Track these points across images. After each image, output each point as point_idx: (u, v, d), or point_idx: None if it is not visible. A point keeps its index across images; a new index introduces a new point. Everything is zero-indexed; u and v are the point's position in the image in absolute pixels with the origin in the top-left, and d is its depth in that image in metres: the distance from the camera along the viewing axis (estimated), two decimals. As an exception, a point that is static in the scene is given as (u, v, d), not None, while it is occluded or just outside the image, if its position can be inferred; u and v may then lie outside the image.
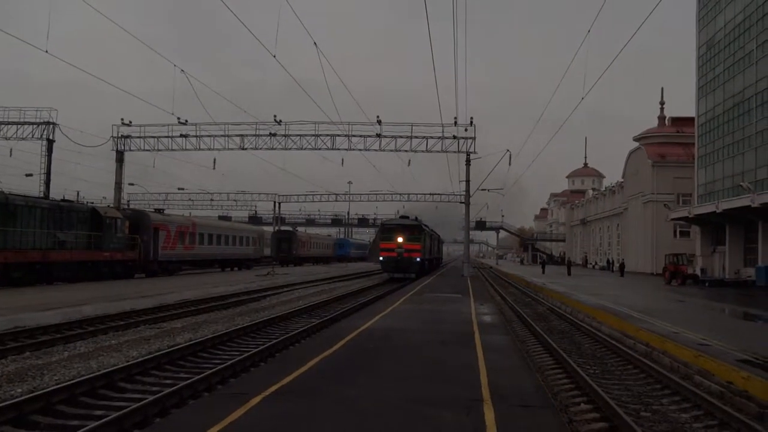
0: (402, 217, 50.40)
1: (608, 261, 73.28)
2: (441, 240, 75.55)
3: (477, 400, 7.11)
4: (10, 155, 39.61)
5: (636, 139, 67.85)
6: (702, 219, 44.81)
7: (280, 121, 38.98)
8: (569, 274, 52.55)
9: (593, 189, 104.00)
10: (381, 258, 41.56)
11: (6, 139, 37.97)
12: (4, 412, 7.40)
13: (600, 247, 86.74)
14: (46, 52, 23.71)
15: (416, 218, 46.46)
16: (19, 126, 37.47)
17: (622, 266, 55.52)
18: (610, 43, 42.76)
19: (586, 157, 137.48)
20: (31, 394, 8.21)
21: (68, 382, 8.95)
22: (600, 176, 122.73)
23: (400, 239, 39.86)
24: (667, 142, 62.34)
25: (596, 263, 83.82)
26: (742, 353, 11.51)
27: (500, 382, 8.06)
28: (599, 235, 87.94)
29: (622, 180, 72.19)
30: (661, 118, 68.01)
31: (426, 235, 44.78)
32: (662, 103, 68.73)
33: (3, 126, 37.65)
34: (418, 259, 40.59)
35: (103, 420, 7.07)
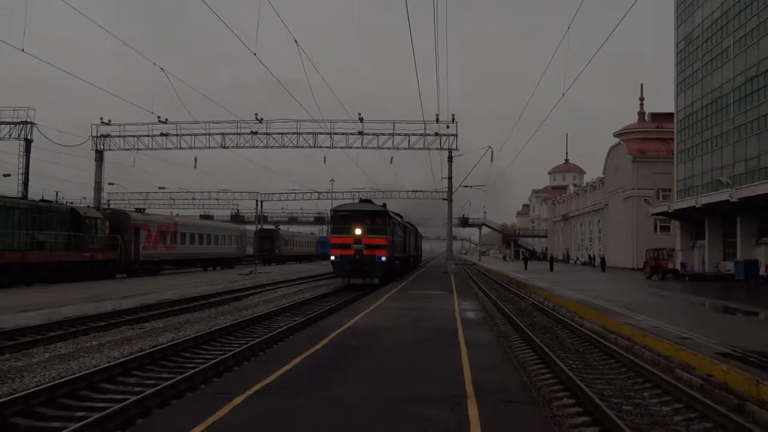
0: (362, 201, 36.47)
1: (590, 256, 73.92)
2: (420, 235, 66.94)
3: (461, 396, 7.13)
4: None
5: (616, 135, 68.46)
6: (682, 214, 45.33)
7: (262, 119, 38.78)
8: (552, 269, 52.90)
9: (574, 185, 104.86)
10: (332, 257, 29.46)
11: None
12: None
13: (581, 243, 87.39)
14: (23, 50, 23.40)
15: (384, 205, 34.21)
16: (7, 125, 36.91)
17: (603, 261, 56.05)
18: (590, 39, 43.09)
19: (567, 153, 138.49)
20: (10, 396, 8.10)
21: (49, 384, 8.84)
22: (581, 172, 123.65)
23: (358, 231, 28.83)
24: (647, 138, 62.97)
25: (578, 259, 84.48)
26: (722, 346, 11.66)
27: (484, 378, 8.09)
28: (581, 231, 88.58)
29: (603, 176, 72.80)
30: (641, 113, 68.69)
31: (394, 225, 33.67)
32: (642, 99, 69.42)
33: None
34: (383, 258, 29.13)
35: (84, 421, 7.00)
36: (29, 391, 8.36)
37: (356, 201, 40.58)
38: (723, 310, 20.04)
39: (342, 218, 30.01)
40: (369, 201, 33.52)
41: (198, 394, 7.92)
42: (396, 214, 38.36)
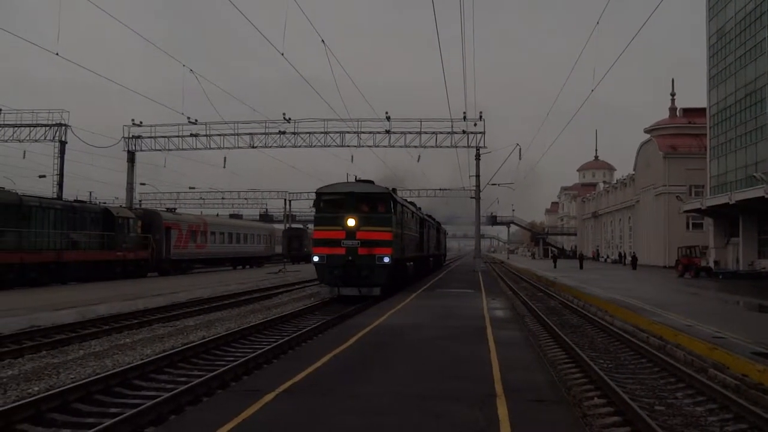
0: (360, 181, 25.91)
1: (620, 254, 72.97)
2: (443, 230, 58.09)
3: (490, 395, 7.11)
4: (24, 157, 39.98)
5: (647, 131, 67.43)
6: (715, 211, 44.48)
7: (290, 119, 39.05)
8: (581, 267, 52.38)
9: (604, 182, 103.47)
10: (315, 258, 21.76)
11: (19, 141, 38.31)
12: (22, 410, 7.48)
13: (612, 241, 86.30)
14: (57, 54, 23.86)
15: (394, 190, 25.48)
16: (32, 128, 37.76)
17: (634, 259, 55.27)
18: (620, 34, 42.52)
19: (596, 150, 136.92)
20: (47, 393, 8.29)
21: (84, 380, 9.03)
22: (611, 169, 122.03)
23: (351, 221, 21.25)
24: (679, 134, 61.89)
25: (608, 257, 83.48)
26: (758, 346, 11.44)
27: (513, 377, 8.06)
28: (611, 229, 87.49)
29: (634, 172, 71.77)
30: (672, 109, 67.54)
31: (405, 215, 25.61)
32: (673, 94, 68.26)
33: (17, 128, 37.96)
34: (385, 259, 21.43)
35: (118, 417, 7.13)
36: (65, 387, 8.54)
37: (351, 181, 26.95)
38: (758, 309, 19.63)
39: (329, 204, 22.10)
40: (370, 182, 24.71)
41: (229, 392, 8.01)
42: (411, 203, 31.54)
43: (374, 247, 20.98)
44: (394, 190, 25.52)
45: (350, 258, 20.85)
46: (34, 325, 14.68)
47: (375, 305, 18.44)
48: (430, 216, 42.18)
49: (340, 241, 20.99)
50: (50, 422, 7.54)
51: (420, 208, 35.30)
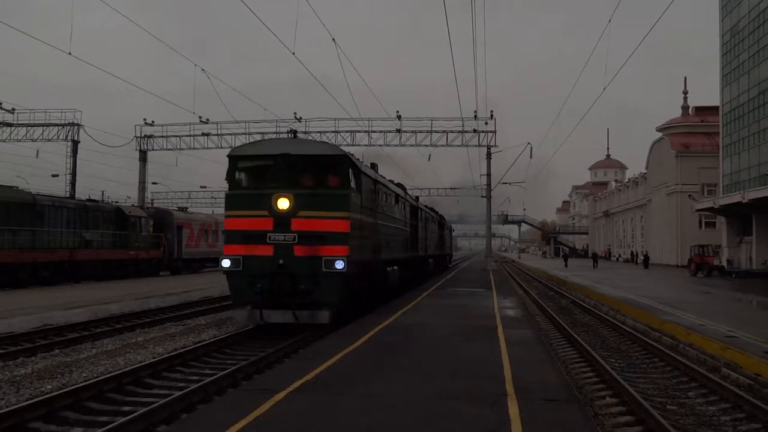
0: (294, 137, 16.24)
1: (632, 253, 72.61)
2: (448, 227, 50.07)
3: (501, 394, 7.09)
4: (37, 156, 40.26)
5: (659, 130, 67.08)
6: (728, 209, 44.13)
7: (300, 118, 39.11)
8: (595, 266, 52.22)
9: (616, 181, 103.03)
10: (224, 262, 13.40)
11: (33, 140, 38.59)
12: (35, 408, 7.54)
13: (623, 240, 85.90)
14: (69, 53, 24.00)
15: (374, 165, 18.12)
16: (45, 128, 38.03)
17: (646, 258, 55.02)
18: (632, 32, 42.29)
19: (608, 149, 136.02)
20: (60, 391, 8.36)
21: (96, 379, 9.10)
22: (623, 167, 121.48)
23: (282, 203, 13.15)
24: (691, 132, 61.52)
25: (620, 256, 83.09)
26: (771, 345, 11.35)
27: (524, 376, 8.04)
28: (622, 227, 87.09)
29: (646, 171, 71.40)
30: (685, 107, 67.13)
31: (382, 195, 17.57)
32: (685, 92, 67.87)
33: (30, 128, 38.26)
34: (338, 265, 12.96)
35: (131, 416, 7.18)
36: (78, 385, 8.61)
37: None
38: (772, 308, 19.47)
39: (249, 174, 14.47)
40: (321, 143, 18.24)
41: (240, 390, 8.04)
42: (398, 184, 22.94)
43: (320, 244, 12.91)
44: (373, 166, 17.92)
45: (281, 262, 12.89)
46: (47, 323, 14.80)
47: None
48: (431, 209, 36.34)
49: (266, 235, 13.00)
50: (63, 420, 7.60)
51: (406, 190, 25.38)
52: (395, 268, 19.14)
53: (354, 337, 11.26)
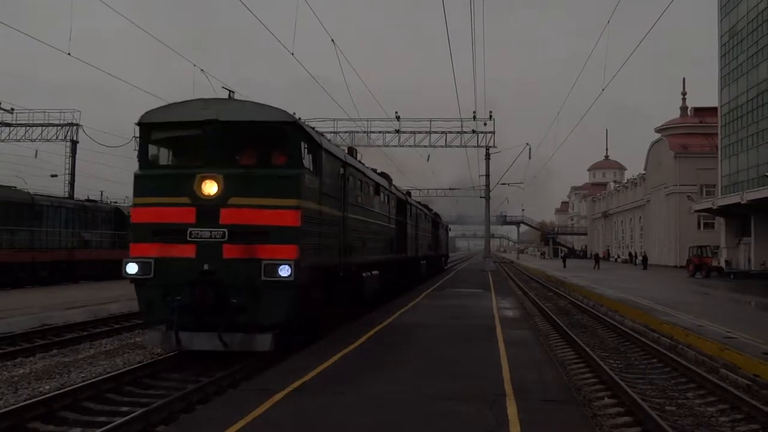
0: (230, 97, 11.52)
1: (630, 254, 72.68)
2: (443, 225, 46.31)
3: (500, 394, 7.10)
4: (35, 156, 40.22)
5: (658, 131, 67.17)
6: (726, 210, 44.19)
7: (300, 118, 39.01)
8: (597, 267, 52.28)
9: (615, 181, 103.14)
10: (129, 268, 10.02)
11: (31, 140, 38.55)
12: (33, 408, 7.53)
13: (622, 240, 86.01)
14: (69, 54, 23.97)
15: (352, 151, 15.83)
16: (43, 128, 38.00)
17: (644, 259, 55.08)
18: (631, 33, 42.31)
19: (607, 150, 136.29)
20: (58, 391, 8.35)
21: (95, 379, 9.09)
22: (622, 168, 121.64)
23: (209, 185, 9.88)
24: (690, 133, 61.62)
25: (618, 256, 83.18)
26: (769, 346, 11.37)
27: (523, 377, 8.04)
28: (621, 228, 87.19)
29: (644, 172, 71.48)
30: (683, 108, 67.24)
31: (350, 177, 13.52)
32: (684, 93, 68.00)
33: (29, 128, 38.22)
34: (284, 271, 9.56)
35: (129, 416, 7.17)
36: (77, 386, 8.60)
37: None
38: (770, 309, 19.50)
39: (165, 147, 11.24)
40: (265, 106, 11.03)
41: (239, 391, 8.03)
42: (382, 173, 19.92)
43: (260, 243, 9.78)
44: (351, 151, 15.61)
45: (206, 267, 9.76)
46: (46, 323, 14.80)
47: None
48: (424, 205, 33.95)
49: (185, 231, 9.84)
50: (61, 421, 7.59)
51: (391, 180, 21.00)
52: (374, 273, 16.09)
53: (355, 336, 11.24)
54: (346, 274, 13.00)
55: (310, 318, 11.29)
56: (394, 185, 21.51)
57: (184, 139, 10.95)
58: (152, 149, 10.87)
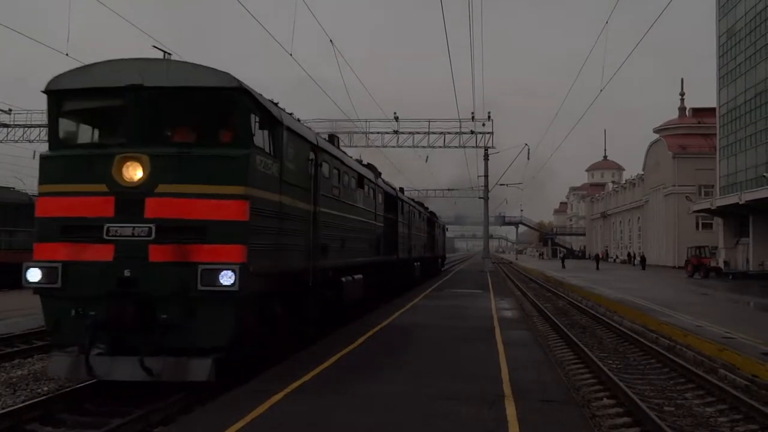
0: (165, 58, 9.57)
1: (629, 254, 72.76)
2: (439, 225, 43.62)
3: (499, 395, 7.10)
4: (33, 158, 40.16)
5: (656, 131, 67.22)
6: (725, 211, 44.23)
7: (298, 119, 38.98)
8: (598, 268, 52.35)
9: (613, 182, 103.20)
10: (30, 275, 8.31)
11: (29, 141, 38.53)
12: (31, 410, 7.51)
13: (620, 241, 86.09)
14: (67, 55, 23.94)
15: (333, 138, 14.39)
16: (41, 129, 37.96)
17: (643, 259, 55.13)
18: (629, 33, 42.37)
19: (605, 150, 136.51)
20: (57, 392, 8.33)
21: (93, 380, 9.06)
22: (620, 169, 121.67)
23: (133, 169, 7.84)
24: (688, 134, 61.70)
25: (617, 257, 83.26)
26: (768, 346, 11.38)
27: (522, 377, 8.04)
28: (620, 229, 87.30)
29: (643, 172, 71.54)
30: (682, 109, 67.34)
31: (324, 163, 11.77)
32: (682, 93, 68.05)
33: (27, 129, 38.19)
34: (227, 278, 7.50)
35: (128, 417, 7.16)
36: (74, 386, 8.57)
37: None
38: (769, 310, 19.53)
39: (79, 120, 8.90)
40: (202, 68, 8.32)
41: (237, 392, 8.02)
42: (362, 164, 17.51)
43: (196, 242, 7.80)
44: (332, 139, 14.16)
45: (127, 273, 7.82)
46: (43, 324, 14.73)
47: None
48: (419, 203, 32.02)
49: (102, 227, 7.89)
50: (59, 422, 7.57)
51: (378, 173, 18.99)
52: (357, 276, 14.19)
53: (354, 337, 11.23)
54: (319, 279, 10.95)
55: (265, 335, 9.13)
56: (382, 179, 19.35)
57: (101, 111, 8.70)
58: (63, 124, 8.63)
